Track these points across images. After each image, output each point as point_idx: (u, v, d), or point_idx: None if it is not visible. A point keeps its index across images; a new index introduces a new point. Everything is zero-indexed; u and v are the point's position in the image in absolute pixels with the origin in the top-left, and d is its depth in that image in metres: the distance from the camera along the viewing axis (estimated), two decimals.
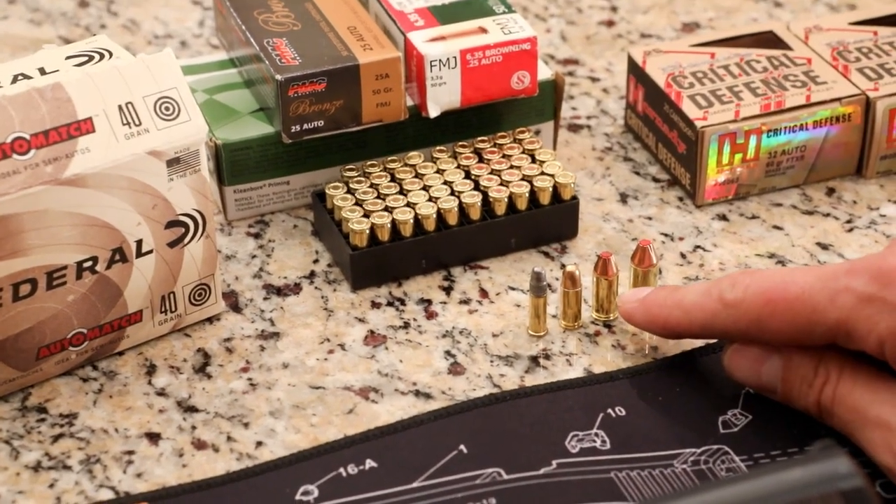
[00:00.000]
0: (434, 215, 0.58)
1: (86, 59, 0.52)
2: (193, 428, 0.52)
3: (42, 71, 0.52)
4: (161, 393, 0.54)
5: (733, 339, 0.50)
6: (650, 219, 0.62)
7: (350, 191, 0.59)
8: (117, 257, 0.52)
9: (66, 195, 0.50)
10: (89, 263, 0.52)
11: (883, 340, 0.46)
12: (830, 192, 0.63)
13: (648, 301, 0.52)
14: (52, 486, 0.50)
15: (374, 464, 0.50)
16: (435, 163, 0.60)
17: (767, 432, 0.50)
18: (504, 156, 0.61)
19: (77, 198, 0.50)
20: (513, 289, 0.58)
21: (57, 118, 0.50)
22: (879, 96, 0.61)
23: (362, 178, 0.60)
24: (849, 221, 0.61)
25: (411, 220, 0.57)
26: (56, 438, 0.52)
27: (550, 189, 0.59)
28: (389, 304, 0.57)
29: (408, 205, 0.58)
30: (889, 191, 0.63)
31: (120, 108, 0.51)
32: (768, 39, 0.66)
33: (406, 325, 0.56)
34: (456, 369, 0.54)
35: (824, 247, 0.60)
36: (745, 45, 0.65)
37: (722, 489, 0.40)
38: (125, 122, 0.51)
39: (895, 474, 0.46)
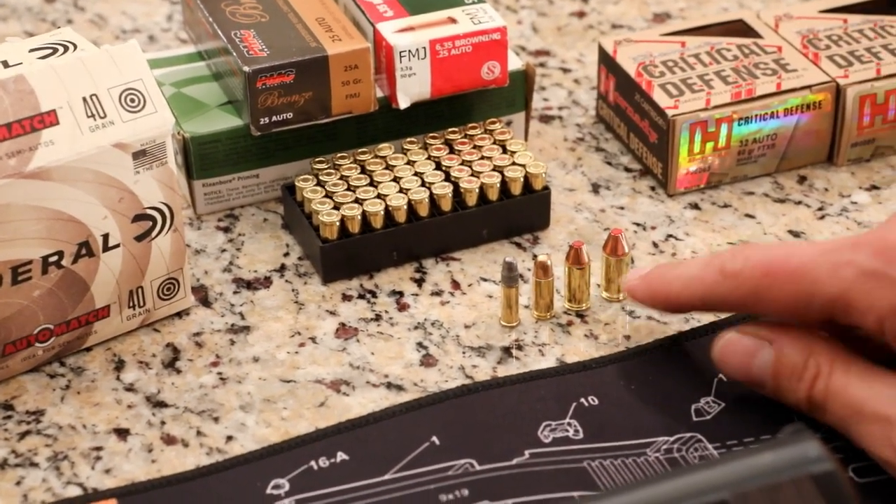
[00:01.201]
0: (405, 207, 0.57)
1: (49, 51, 0.52)
2: (163, 423, 0.51)
3: (5, 64, 0.51)
4: (130, 388, 0.53)
5: (731, 310, 0.50)
6: (622, 208, 0.61)
7: (320, 183, 0.59)
8: (83, 251, 0.52)
9: (31, 189, 0.50)
10: (55, 258, 0.51)
11: (883, 317, 0.45)
12: (802, 179, 0.63)
13: (650, 276, 0.52)
14: (18, 483, 0.49)
15: (345, 456, 0.49)
16: (405, 154, 0.60)
17: (740, 419, 0.50)
18: (475, 146, 0.60)
19: (41, 191, 0.50)
20: (485, 280, 0.58)
21: (20, 111, 0.49)
22: (849, 83, 0.61)
23: (332, 171, 0.59)
24: (820, 209, 0.61)
25: (382, 212, 0.57)
26: (23, 436, 0.51)
27: (522, 179, 0.59)
28: (361, 296, 0.57)
29: (378, 196, 0.58)
30: (860, 178, 0.63)
31: (84, 100, 0.50)
32: (738, 28, 0.66)
33: (377, 318, 0.56)
34: (428, 361, 0.54)
35: (796, 234, 0.60)
36: (716, 34, 0.65)
37: (693, 474, 0.40)
38: (90, 114, 0.50)
39: (895, 468, 0.46)
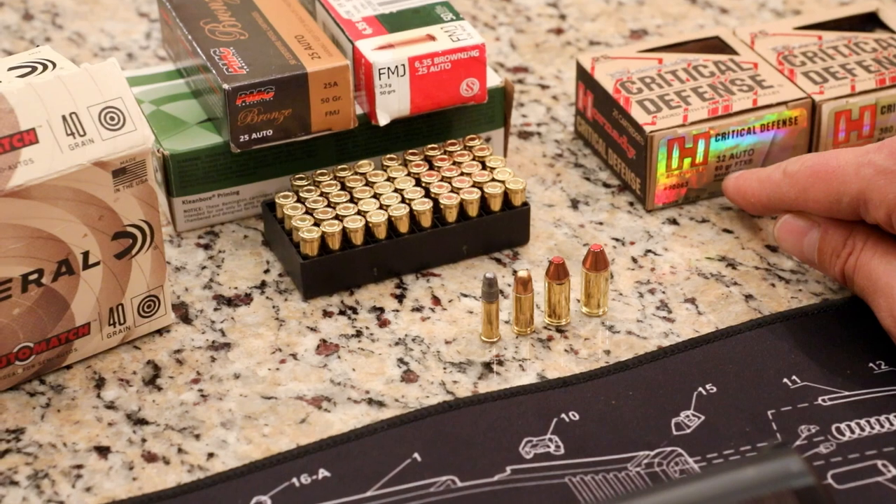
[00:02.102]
0: (385, 223, 0.58)
1: (29, 69, 0.52)
2: (143, 441, 0.51)
3: None
4: (110, 406, 0.53)
5: (790, 208, 0.56)
6: (601, 224, 0.62)
7: (300, 200, 0.59)
8: (63, 269, 0.52)
9: (10, 207, 0.49)
10: (35, 276, 0.51)
11: (891, 211, 0.51)
12: None
13: (739, 176, 0.59)
14: None
15: (327, 473, 0.49)
16: (385, 170, 0.60)
17: (720, 433, 0.50)
18: (454, 163, 0.61)
19: (21, 209, 0.50)
20: (465, 295, 0.58)
21: None
22: (825, 99, 0.62)
23: (312, 187, 0.59)
24: None
25: (362, 228, 0.57)
26: (3, 454, 0.51)
27: (501, 195, 0.59)
28: (341, 312, 0.57)
29: (358, 213, 0.58)
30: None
31: (64, 118, 0.50)
32: (715, 45, 0.66)
33: (358, 334, 0.56)
34: (409, 377, 0.54)
35: (773, 249, 0.60)
36: (693, 51, 0.66)
37: (675, 489, 0.40)
38: (69, 132, 0.50)
39: (895, 336, 0.51)
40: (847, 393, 0.51)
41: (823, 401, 0.51)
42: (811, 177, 0.54)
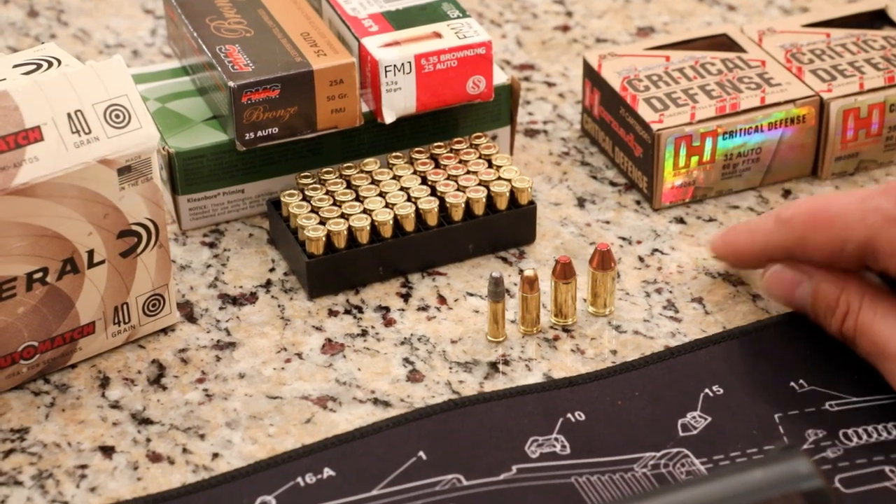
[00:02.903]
0: (391, 221, 0.57)
1: (34, 66, 0.52)
2: (148, 440, 0.51)
3: None
4: (115, 405, 0.53)
5: (785, 257, 0.53)
6: (608, 223, 0.61)
7: (306, 198, 0.59)
8: (68, 268, 0.52)
9: (15, 205, 0.49)
10: (40, 275, 0.51)
11: None
12: (786, 193, 0.63)
13: (727, 233, 0.56)
14: (3, 502, 0.49)
15: (332, 472, 0.49)
16: (391, 169, 0.60)
17: (727, 434, 0.50)
18: (460, 161, 0.60)
19: (26, 208, 0.50)
20: (471, 294, 0.58)
21: (4, 127, 0.49)
22: (833, 97, 0.62)
23: (318, 185, 0.59)
24: None
25: (368, 227, 0.57)
26: (7, 454, 0.51)
27: (507, 194, 0.59)
28: (347, 311, 0.57)
29: (364, 211, 0.58)
30: (844, 191, 0.63)
31: (69, 116, 0.50)
32: (722, 42, 0.66)
33: (364, 333, 0.56)
34: (415, 376, 0.54)
35: None
36: (700, 48, 0.65)
37: (684, 491, 0.40)
38: (74, 130, 0.50)
39: None
40: (855, 399, 0.51)
41: (831, 406, 0.51)
42: (810, 222, 0.51)
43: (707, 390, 0.52)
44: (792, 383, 0.52)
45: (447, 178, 0.59)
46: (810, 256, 0.52)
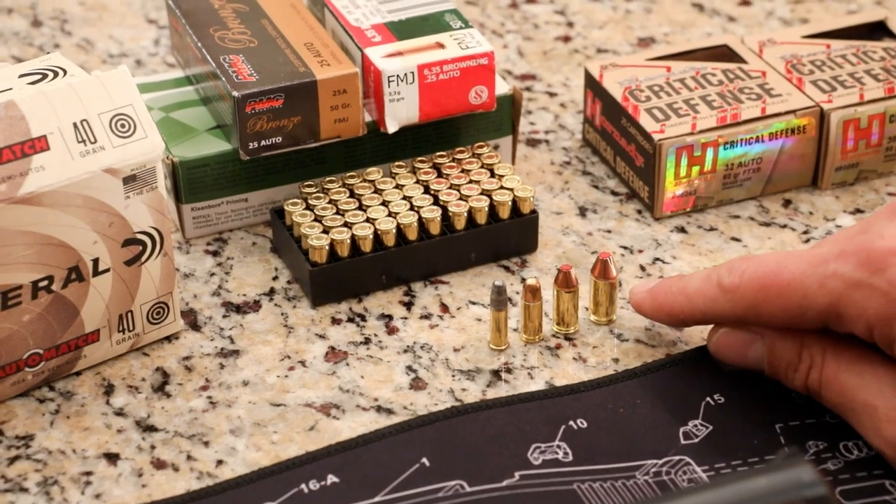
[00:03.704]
0: (394, 230, 0.58)
1: (40, 76, 0.52)
2: (153, 447, 0.51)
3: None
4: (119, 413, 0.53)
5: (732, 323, 0.51)
6: (609, 232, 0.62)
7: (309, 207, 0.59)
8: (73, 276, 0.52)
9: (21, 214, 0.50)
10: (45, 283, 0.51)
11: (872, 325, 0.47)
12: (787, 203, 0.63)
13: (656, 290, 0.53)
14: None
15: (335, 479, 0.49)
16: (394, 178, 0.60)
17: (729, 442, 0.50)
18: (463, 170, 0.61)
19: (32, 216, 0.50)
20: (473, 303, 0.58)
21: (10, 136, 0.49)
22: (833, 108, 0.62)
23: (321, 195, 0.59)
24: (805, 232, 0.62)
25: (371, 236, 0.57)
26: (12, 461, 0.51)
27: (510, 203, 0.59)
28: (350, 319, 0.57)
29: (367, 220, 0.58)
30: (844, 202, 0.63)
31: (75, 125, 0.51)
32: (723, 53, 0.66)
33: (367, 341, 0.56)
34: (418, 384, 0.54)
35: None
36: (701, 59, 0.66)
37: (688, 498, 0.40)
38: (80, 139, 0.51)
39: (887, 456, 0.47)
40: None
41: (831, 417, 0.51)
42: (760, 291, 0.48)
43: (709, 399, 0.52)
44: (793, 393, 0.52)
45: (450, 188, 0.60)
46: (764, 324, 0.49)
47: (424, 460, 0.50)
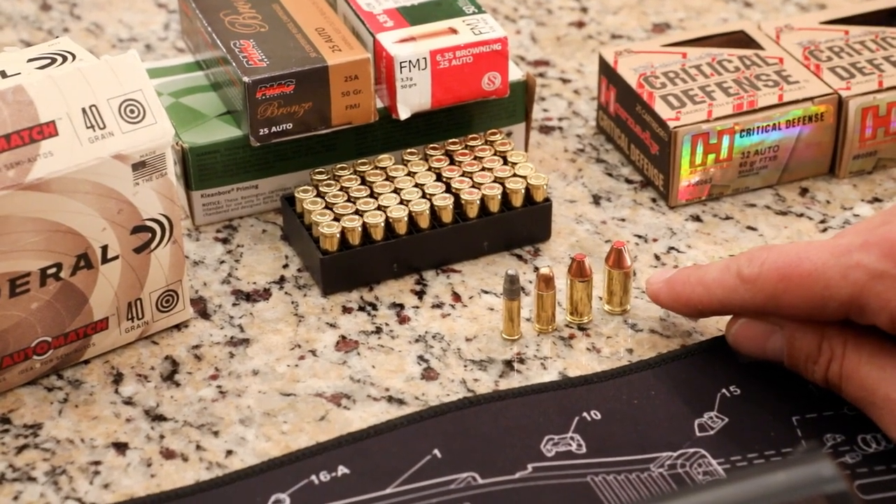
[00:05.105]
0: (405, 218, 0.57)
1: (48, 61, 0.51)
2: (162, 437, 0.51)
3: (3, 74, 0.50)
4: (128, 402, 0.53)
5: (751, 314, 0.50)
6: (623, 220, 0.61)
7: (320, 194, 0.58)
8: (82, 263, 0.51)
9: (29, 200, 0.49)
10: (53, 270, 0.51)
11: (894, 317, 0.46)
12: (804, 192, 0.63)
13: (673, 280, 0.52)
14: (16, 498, 0.49)
15: (346, 470, 0.49)
16: (406, 165, 0.60)
17: (744, 435, 0.50)
18: (476, 157, 0.60)
19: (40, 203, 0.49)
20: (486, 292, 0.57)
21: (19, 121, 0.49)
22: (852, 95, 0.61)
23: (332, 182, 0.59)
24: (823, 221, 0.61)
25: (382, 224, 0.57)
26: (20, 449, 0.51)
27: (523, 191, 0.58)
28: (361, 308, 0.57)
29: (379, 208, 0.57)
30: (862, 190, 0.63)
31: (84, 110, 0.50)
32: (740, 39, 0.65)
33: (378, 330, 0.56)
34: (429, 374, 0.54)
35: None
36: (717, 45, 0.65)
37: (706, 493, 0.40)
38: (89, 125, 0.50)
39: None
40: None
41: (849, 410, 0.50)
42: (781, 281, 0.48)
43: (724, 390, 0.51)
44: (810, 385, 0.51)
45: (462, 175, 0.59)
46: (784, 315, 0.49)
47: (436, 452, 0.49)
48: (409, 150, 0.60)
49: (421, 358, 0.54)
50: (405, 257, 0.58)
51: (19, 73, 0.50)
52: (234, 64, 0.57)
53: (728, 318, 0.53)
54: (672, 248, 0.60)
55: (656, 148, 0.61)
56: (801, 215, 0.61)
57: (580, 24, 0.74)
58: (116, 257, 0.52)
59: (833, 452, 0.48)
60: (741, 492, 0.39)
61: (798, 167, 0.62)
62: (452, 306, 0.57)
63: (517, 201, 0.59)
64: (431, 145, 0.61)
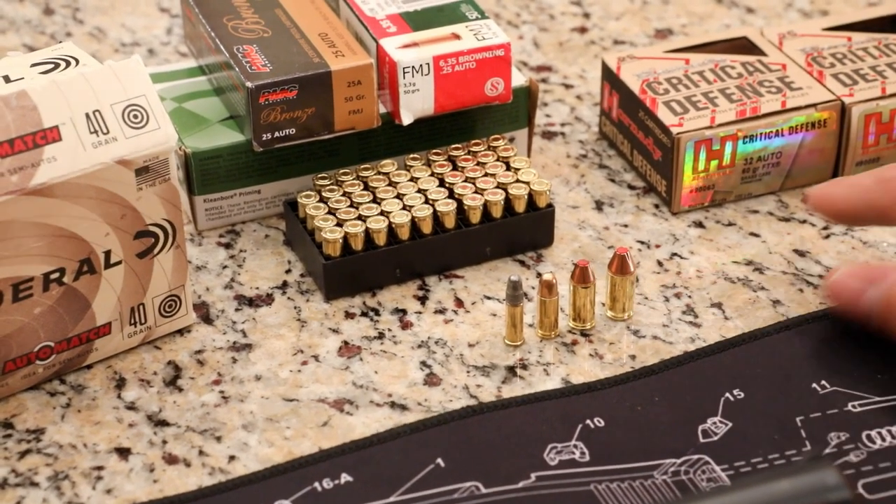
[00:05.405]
0: (408, 224, 0.57)
1: (52, 66, 0.51)
2: (164, 442, 0.51)
3: (7, 79, 0.50)
4: (131, 407, 0.52)
5: (876, 219, 0.52)
6: (626, 226, 0.61)
7: (323, 199, 0.58)
8: (85, 268, 0.51)
9: (33, 205, 0.49)
10: (56, 275, 0.51)
11: None
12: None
13: (824, 185, 0.54)
14: (19, 503, 0.49)
15: (349, 478, 0.49)
16: (408, 171, 0.60)
17: (749, 439, 0.50)
18: (478, 163, 0.60)
19: (43, 208, 0.49)
20: (488, 298, 0.57)
21: (22, 126, 0.49)
22: (854, 102, 0.61)
23: (335, 187, 0.59)
24: (825, 228, 0.61)
25: (385, 229, 0.57)
26: (23, 454, 0.51)
27: (526, 197, 0.58)
28: (363, 314, 0.57)
29: (381, 213, 0.57)
30: None
31: (87, 115, 0.50)
32: (742, 45, 0.65)
33: (381, 336, 0.56)
34: (432, 380, 0.53)
35: (801, 254, 0.59)
36: (720, 51, 0.65)
37: (710, 500, 0.40)
38: (92, 130, 0.50)
39: None
40: (878, 399, 0.51)
41: (853, 406, 0.50)
42: None
43: (728, 394, 0.51)
44: (814, 384, 0.51)
45: (465, 181, 0.59)
46: None
47: (439, 461, 0.49)
48: (411, 156, 0.60)
49: (424, 364, 0.54)
50: (408, 263, 0.57)
51: (23, 78, 0.50)
52: (237, 69, 0.57)
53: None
54: (675, 254, 0.60)
55: (659, 154, 0.61)
56: (804, 222, 0.61)
57: (583, 30, 0.74)
58: (119, 262, 0.52)
59: (837, 452, 0.48)
60: (745, 500, 0.39)
61: (801, 173, 0.62)
62: (455, 312, 0.57)
63: (520, 207, 0.59)
64: (434, 151, 0.61)
